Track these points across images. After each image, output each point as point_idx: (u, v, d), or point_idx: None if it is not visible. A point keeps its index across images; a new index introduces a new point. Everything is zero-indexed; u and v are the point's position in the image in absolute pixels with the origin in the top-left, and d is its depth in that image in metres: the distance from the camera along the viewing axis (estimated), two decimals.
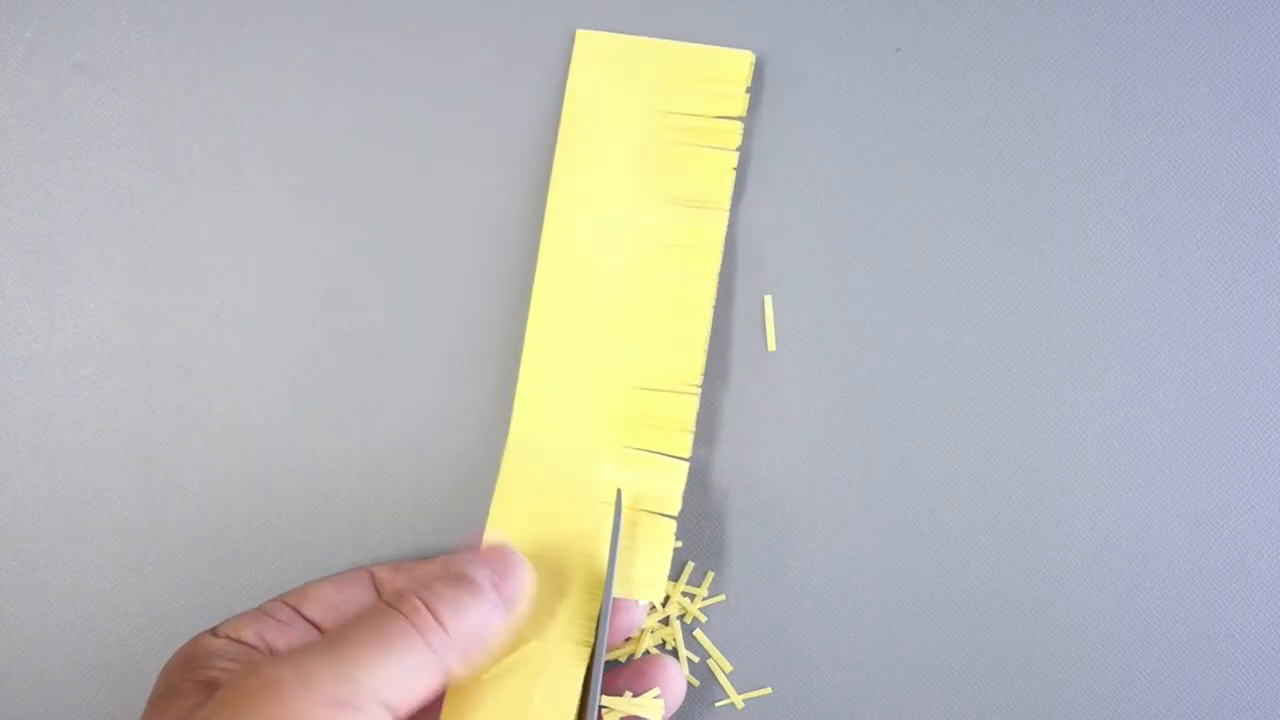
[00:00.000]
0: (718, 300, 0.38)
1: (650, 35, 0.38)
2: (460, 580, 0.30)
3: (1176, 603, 0.37)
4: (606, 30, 0.38)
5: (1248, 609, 0.37)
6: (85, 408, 0.38)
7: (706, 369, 0.38)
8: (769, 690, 0.38)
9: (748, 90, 0.36)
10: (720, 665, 0.38)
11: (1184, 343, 0.38)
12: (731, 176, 0.36)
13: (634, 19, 0.39)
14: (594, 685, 0.32)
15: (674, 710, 0.34)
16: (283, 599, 0.33)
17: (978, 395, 0.38)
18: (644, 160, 0.36)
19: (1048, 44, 0.39)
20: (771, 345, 0.38)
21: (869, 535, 0.38)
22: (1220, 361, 0.38)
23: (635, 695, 0.33)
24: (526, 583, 0.32)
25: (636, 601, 0.34)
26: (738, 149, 0.36)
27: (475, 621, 0.29)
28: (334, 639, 0.28)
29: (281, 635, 0.32)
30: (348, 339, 0.38)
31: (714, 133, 0.36)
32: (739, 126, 0.36)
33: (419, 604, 0.29)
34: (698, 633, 0.38)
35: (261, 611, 0.32)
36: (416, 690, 0.28)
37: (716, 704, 0.38)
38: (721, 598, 0.38)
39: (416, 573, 0.33)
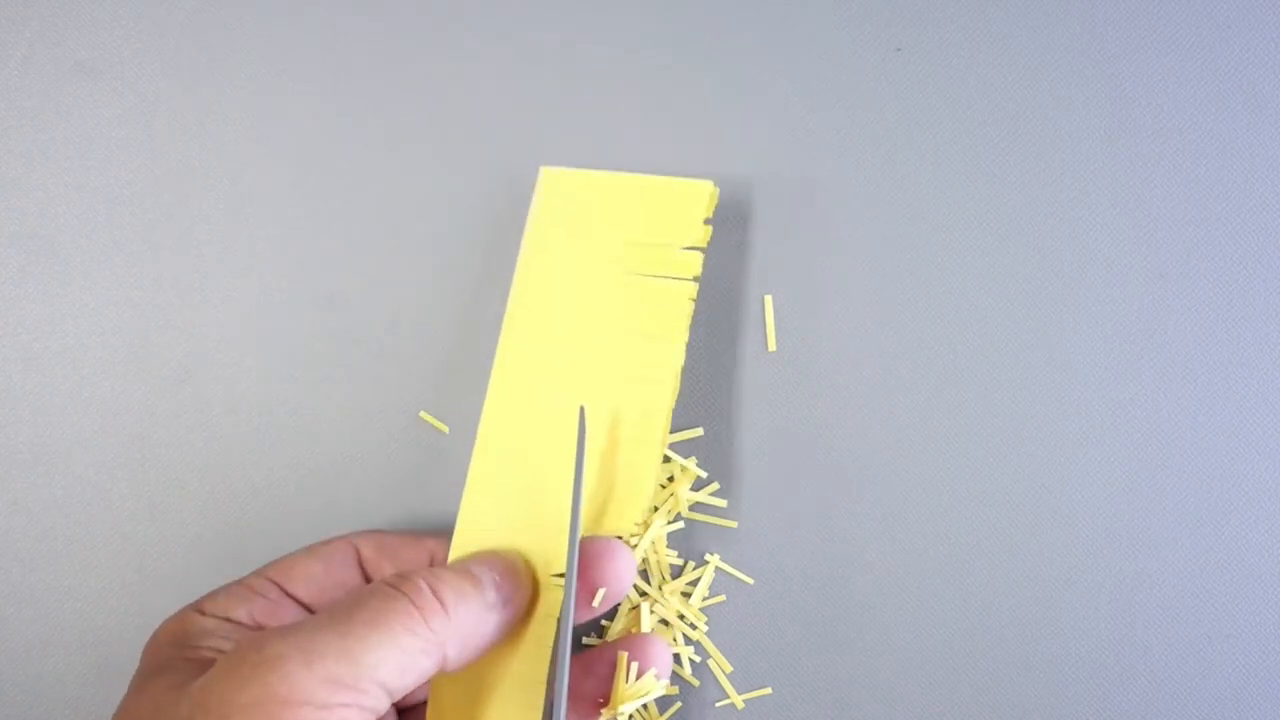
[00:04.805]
0: (718, 301, 0.38)
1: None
2: (463, 572, 0.30)
3: (1176, 603, 0.37)
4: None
5: (1248, 609, 0.37)
6: (85, 408, 0.38)
7: (707, 370, 0.38)
8: (769, 690, 0.38)
9: (708, 221, 0.35)
10: (720, 665, 0.38)
11: (1184, 343, 0.38)
12: (689, 308, 0.35)
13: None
14: (560, 679, 0.31)
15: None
16: (267, 575, 0.33)
17: (977, 395, 0.38)
18: (601, 292, 0.35)
19: (1048, 44, 0.39)
20: (772, 345, 0.38)
21: (869, 535, 0.38)
22: (1220, 361, 0.38)
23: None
24: (526, 588, 0.32)
25: (621, 547, 0.34)
26: (696, 279, 0.35)
27: (476, 612, 0.30)
28: (336, 617, 0.28)
29: (272, 615, 0.32)
30: (348, 339, 0.38)
31: (674, 264, 0.35)
32: (699, 257, 0.35)
33: (424, 586, 0.29)
34: (698, 633, 0.38)
35: (248, 589, 0.32)
36: (413, 674, 0.28)
37: (716, 704, 0.38)
38: (722, 598, 0.38)
39: (406, 554, 0.34)
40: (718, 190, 0.36)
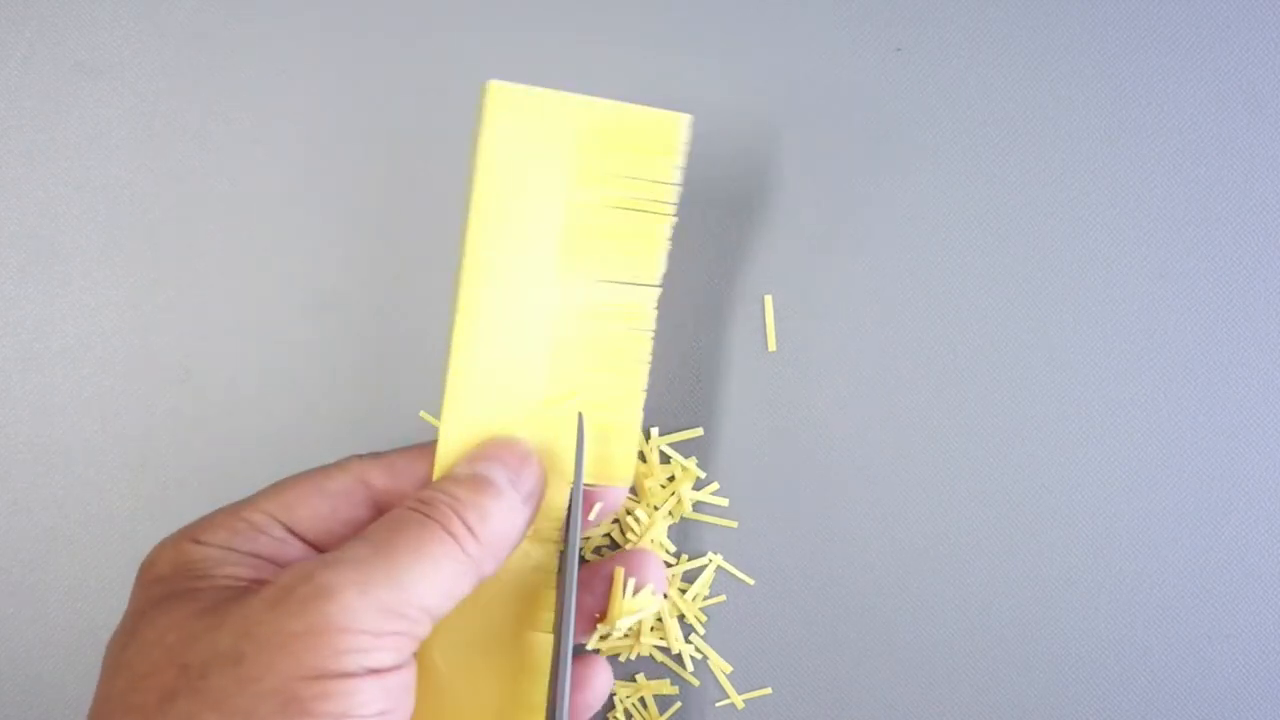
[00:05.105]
0: (718, 301, 0.38)
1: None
2: (480, 483, 0.30)
3: (1176, 603, 0.37)
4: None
5: (1248, 609, 0.37)
6: (85, 408, 0.38)
7: (707, 370, 0.38)
8: (769, 690, 0.38)
9: (681, 155, 0.32)
10: (720, 665, 0.38)
11: (1184, 342, 0.38)
12: (664, 249, 0.32)
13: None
14: (564, 640, 0.31)
15: (599, 705, 0.34)
16: (269, 511, 0.31)
17: (978, 395, 0.38)
18: (568, 229, 0.32)
19: (1048, 44, 0.39)
20: (772, 345, 0.38)
21: (869, 535, 0.38)
22: (1220, 361, 0.38)
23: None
24: (540, 475, 0.31)
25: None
26: (670, 218, 0.32)
27: (502, 524, 0.30)
28: (379, 547, 0.28)
29: (279, 555, 0.31)
30: (348, 339, 0.38)
31: (644, 201, 0.32)
32: (672, 193, 0.32)
33: (450, 513, 0.29)
34: (696, 634, 0.38)
35: (249, 525, 0.30)
36: (456, 596, 0.28)
37: (717, 704, 0.38)
38: (722, 598, 0.38)
39: (408, 465, 0.33)
40: (690, 121, 0.33)
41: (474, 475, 0.30)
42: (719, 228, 0.38)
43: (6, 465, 0.38)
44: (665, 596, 0.37)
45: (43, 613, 0.38)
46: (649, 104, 0.39)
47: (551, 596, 0.32)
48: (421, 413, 0.38)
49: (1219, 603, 0.37)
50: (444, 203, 0.39)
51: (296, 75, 0.39)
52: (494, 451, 0.31)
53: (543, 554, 0.32)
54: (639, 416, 0.33)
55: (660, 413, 0.38)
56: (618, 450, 0.33)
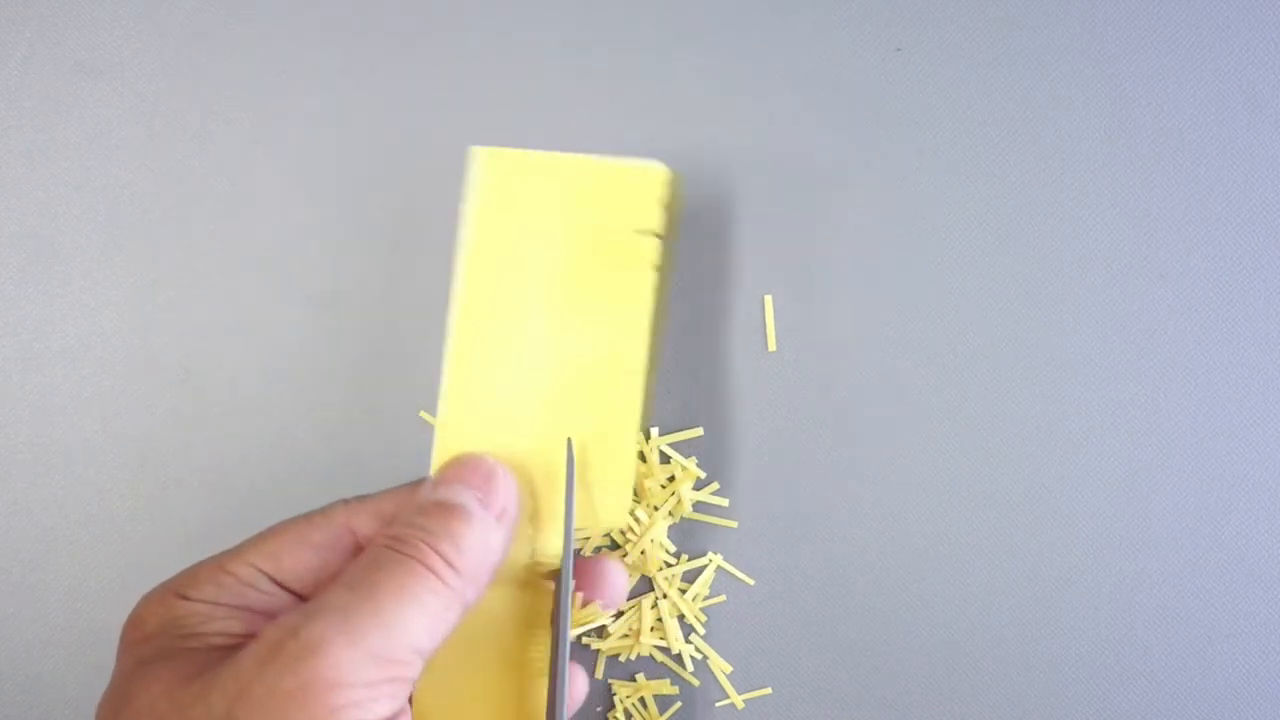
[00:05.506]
0: (718, 301, 0.38)
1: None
2: (450, 510, 0.29)
3: (1176, 603, 0.37)
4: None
5: (1249, 609, 0.37)
6: (85, 408, 0.38)
7: (707, 370, 0.38)
8: (769, 690, 0.38)
9: (665, 205, 0.33)
10: (720, 665, 0.38)
11: (1184, 342, 0.38)
12: (651, 299, 0.33)
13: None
14: (561, 664, 0.31)
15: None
16: (255, 564, 0.30)
17: (978, 395, 0.38)
18: (557, 280, 0.33)
19: (1048, 44, 0.39)
20: (772, 345, 0.38)
21: (869, 535, 0.38)
22: (1220, 361, 0.38)
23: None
24: (511, 489, 0.31)
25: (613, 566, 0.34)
26: (657, 268, 0.33)
27: (478, 548, 0.29)
28: (361, 592, 0.27)
29: (267, 609, 0.30)
30: (348, 339, 0.38)
31: (630, 252, 0.33)
32: (656, 243, 0.33)
33: (424, 547, 0.28)
34: (696, 634, 0.38)
35: (235, 579, 0.30)
36: (442, 631, 0.28)
37: (717, 704, 0.38)
38: (722, 598, 0.38)
39: (396, 510, 0.32)
40: (674, 175, 0.34)
41: (439, 502, 0.30)
42: (719, 228, 0.38)
43: (6, 465, 0.38)
44: (647, 585, 0.37)
45: (43, 613, 0.38)
46: (649, 105, 0.39)
47: (545, 637, 0.32)
48: (421, 412, 0.38)
49: (1219, 603, 0.37)
50: (444, 202, 0.39)
51: (296, 75, 0.39)
52: (458, 474, 0.31)
53: (536, 599, 0.32)
54: (633, 459, 0.33)
55: (660, 413, 0.38)
56: (611, 493, 0.33)
